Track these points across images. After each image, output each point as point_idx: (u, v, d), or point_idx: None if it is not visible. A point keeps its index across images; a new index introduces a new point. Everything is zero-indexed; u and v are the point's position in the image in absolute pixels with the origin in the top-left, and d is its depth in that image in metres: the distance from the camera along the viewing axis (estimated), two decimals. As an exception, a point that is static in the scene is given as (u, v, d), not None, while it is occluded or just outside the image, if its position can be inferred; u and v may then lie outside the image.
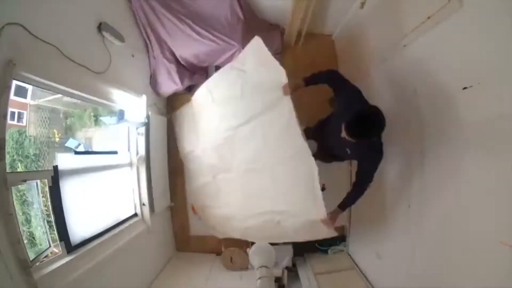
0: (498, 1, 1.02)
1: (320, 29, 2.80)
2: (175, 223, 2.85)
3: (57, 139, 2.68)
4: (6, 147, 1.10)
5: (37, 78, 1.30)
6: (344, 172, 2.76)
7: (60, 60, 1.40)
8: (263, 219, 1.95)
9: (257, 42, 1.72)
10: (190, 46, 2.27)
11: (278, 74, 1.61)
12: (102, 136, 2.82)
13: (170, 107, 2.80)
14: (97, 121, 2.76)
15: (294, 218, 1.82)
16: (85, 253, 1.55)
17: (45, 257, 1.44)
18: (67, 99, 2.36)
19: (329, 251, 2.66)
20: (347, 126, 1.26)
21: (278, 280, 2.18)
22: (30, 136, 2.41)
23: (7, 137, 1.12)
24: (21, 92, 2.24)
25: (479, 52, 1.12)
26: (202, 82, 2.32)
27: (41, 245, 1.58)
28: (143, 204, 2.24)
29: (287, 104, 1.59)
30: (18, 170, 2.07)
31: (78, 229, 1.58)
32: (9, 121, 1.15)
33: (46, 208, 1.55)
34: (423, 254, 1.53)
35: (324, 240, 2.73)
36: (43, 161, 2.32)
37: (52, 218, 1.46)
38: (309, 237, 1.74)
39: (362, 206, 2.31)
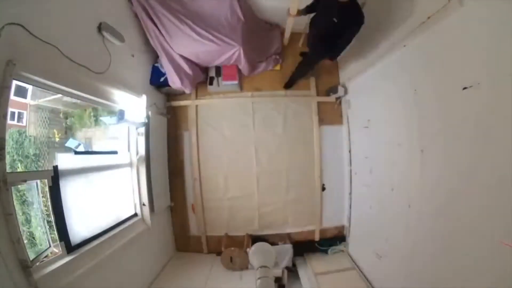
0: (498, 1, 1.02)
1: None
2: (175, 223, 2.86)
3: (57, 139, 2.67)
4: (6, 147, 1.10)
5: (37, 78, 1.30)
6: (344, 172, 2.77)
7: (60, 60, 1.39)
8: None
9: None
10: (190, 46, 2.27)
11: None
12: (102, 136, 2.82)
13: (170, 107, 2.80)
14: (97, 121, 2.76)
15: None
16: (85, 253, 1.54)
17: (45, 257, 1.44)
18: (67, 99, 2.36)
19: (329, 251, 2.67)
20: None
21: (278, 280, 2.17)
22: (30, 136, 2.41)
23: (7, 137, 1.12)
24: (21, 92, 2.24)
25: (479, 52, 1.12)
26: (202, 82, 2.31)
27: (41, 245, 1.58)
28: (143, 204, 2.24)
29: None
30: (18, 170, 2.07)
31: (78, 229, 1.58)
32: (9, 121, 1.15)
33: (46, 208, 1.54)
34: (423, 254, 1.53)
35: (324, 240, 2.77)
36: (43, 161, 2.32)
37: (52, 218, 1.45)
38: None
39: (362, 206, 2.32)
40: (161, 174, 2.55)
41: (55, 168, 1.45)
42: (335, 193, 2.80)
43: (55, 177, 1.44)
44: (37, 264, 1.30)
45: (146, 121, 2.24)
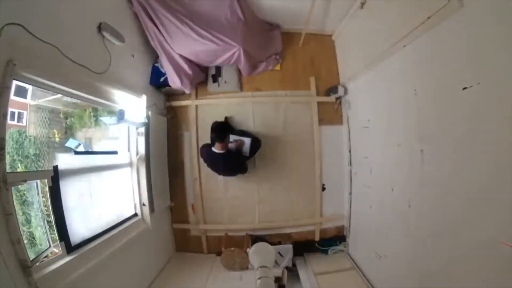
0: (499, 1, 1.02)
1: (320, 29, 2.81)
2: (175, 223, 2.85)
3: (57, 139, 2.67)
4: (6, 147, 1.10)
5: (37, 78, 1.30)
6: (344, 172, 2.77)
7: (60, 60, 1.39)
8: None
9: None
10: (190, 46, 2.27)
11: None
12: (102, 136, 2.82)
13: (170, 107, 2.80)
14: (97, 121, 2.76)
15: None
16: (85, 253, 1.55)
17: (45, 257, 1.44)
18: (67, 99, 2.35)
19: (329, 251, 2.66)
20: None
21: (278, 280, 2.17)
22: (30, 136, 2.40)
23: (7, 137, 1.12)
24: (21, 92, 2.23)
25: (479, 52, 1.12)
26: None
27: (41, 245, 1.58)
28: (143, 204, 2.24)
29: None
30: (18, 170, 2.07)
31: (78, 229, 1.58)
32: (9, 121, 1.15)
33: (46, 208, 1.54)
34: (423, 254, 1.53)
35: (324, 240, 2.77)
36: (43, 161, 2.31)
37: (52, 218, 1.45)
38: None
39: (362, 206, 2.32)
40: (161, 174, 2.55)
41: (55, 168, 1.45)
42: (335, 193, 2.80)
43: (55, 177, 1.44)
44: (37, 264, 1.30)
45: (146, 121, 2.24)
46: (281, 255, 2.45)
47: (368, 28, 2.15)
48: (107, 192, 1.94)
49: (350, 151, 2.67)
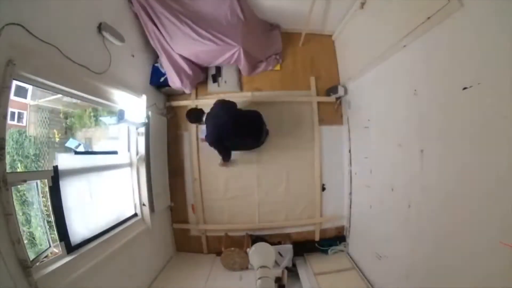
0: (499, 1, 1.02)
1: (320, 29, 2.81)
2: (175, 223, 2.85)
3: (57, 139, 2.67)
4: (6, 147, 1.10)
5: (37, 78, 1.30)
6: (344, 172, 2.77)
7: (60, 60, 1.39)
8: None
9: None
10: (190, 46, 2.27)
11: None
12: (102, 136, 2.82)
13: (170, 107, 2.80)
14: (97, 121, 2.76)
15: None
16: (85, 253, 1.54)
17: (45, 257, 1.43)
18: (67, 99, 2.35)
19: (329, 251, 2.66)
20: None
21: (278, 280, 2.17)
22: (30, 136, 2.40)
23: (7, 137, 1.12)
24: (21, 92, 2.23)
25: (479, 52, 1.12)
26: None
27: (41, 245, 1.58)
28: (143, 204, 2.24)
29: None
30: (18, 170, 2.07)
31: (78, 229, 1.58)
32: (9, 121, 1.15)
33: (46, 208, 1.54)
34: (423, 254, 1.53)
35: (324, 240, 2.77)
36: (43, 161, 2.31)
37: (52, 218, 1.45)
38: None
39: (362, 206, 2.32)
40: (161, 174, 2.55)
41: (55, 168, 1.45)
42: (335, 193, 2.80)
43: (55, 177, 1.44)
44: (37, 264, 1.30)
45: (146, 121, 2.24)
46: (281, 255, 2.45)
47: (368, 28, 2.15)
48: (107, 192, 1.94)
49: (350, 151, 2.67)
